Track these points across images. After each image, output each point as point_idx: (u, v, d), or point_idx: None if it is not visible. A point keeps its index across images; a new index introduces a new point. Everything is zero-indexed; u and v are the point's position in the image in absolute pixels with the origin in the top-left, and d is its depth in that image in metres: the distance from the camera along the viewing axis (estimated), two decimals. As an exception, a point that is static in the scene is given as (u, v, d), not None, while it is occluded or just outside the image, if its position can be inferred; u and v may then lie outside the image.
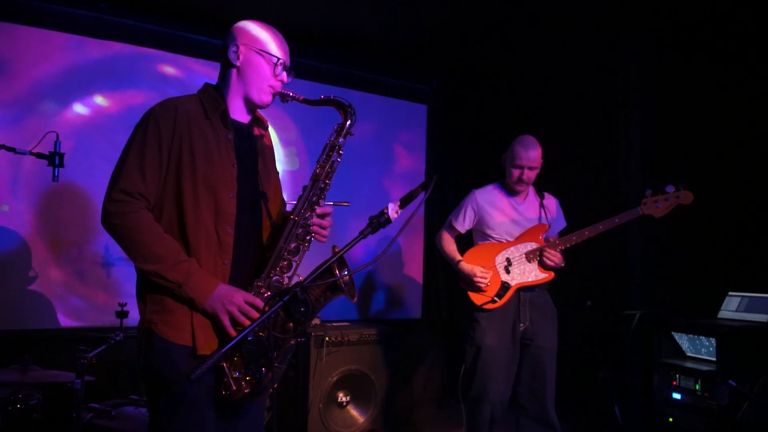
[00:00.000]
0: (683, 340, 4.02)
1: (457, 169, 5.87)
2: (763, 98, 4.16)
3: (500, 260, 3.58)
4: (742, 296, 3.87)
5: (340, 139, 2.18)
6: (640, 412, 4.38)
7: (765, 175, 4.15)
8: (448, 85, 5.88)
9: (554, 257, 3.49)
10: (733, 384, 3.40)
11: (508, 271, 3.56)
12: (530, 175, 3.57)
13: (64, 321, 4.12)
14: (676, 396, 3.82)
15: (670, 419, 3.86)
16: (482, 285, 3.49)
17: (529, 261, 3.56)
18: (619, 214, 3.44)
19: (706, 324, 3.80)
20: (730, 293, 3.97)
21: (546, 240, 3.61)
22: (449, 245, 3.72)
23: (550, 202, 3.78)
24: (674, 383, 3.85)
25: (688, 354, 4.01)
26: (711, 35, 4.40)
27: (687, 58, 4.53)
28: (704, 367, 3.72)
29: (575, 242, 3.48)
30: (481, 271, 3.49)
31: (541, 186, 3.84)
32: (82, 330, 4.09)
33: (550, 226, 3.64)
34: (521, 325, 3.54)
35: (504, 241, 3.63)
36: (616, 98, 4.83)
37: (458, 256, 3.64)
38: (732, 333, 3.59)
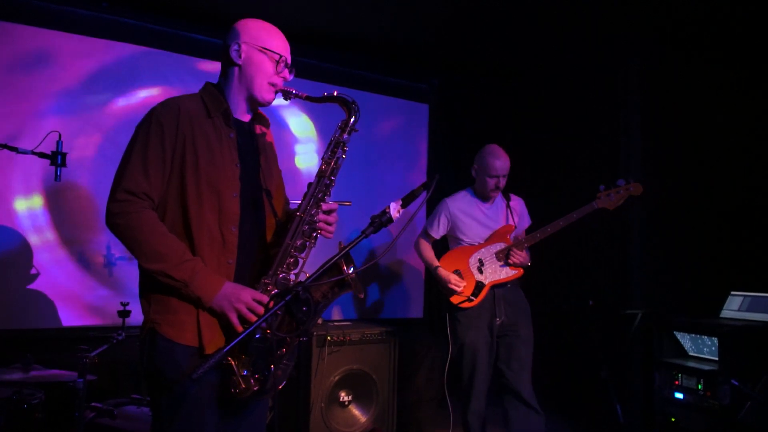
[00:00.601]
0: (685, 340, 4.02)
1: (459, 169, 5.86)
2: (764, 97, 4.15)
3: (473, 261, 3.83)
4: (745, 296, 3.87)
5: (345, 136, 2.18)
6: (641, 411, 4.38)
7: (767, 174, 4.15)
8: (449, 85, 5.88)
9: (519, 256, 3.75)
10: (736, 383, 3.40)
11: (481, 271, 3.81)
12: (503, 182, 3.83)
13: (66, 320, 4.12)
14: (678, 395, 3.82)
15: (672, 419, 3.87)
16: (458, 289, 3.75)
17: (499, 260, 3.81)
18: (576, 210, 3.68)
19: (708, 323, 3.80)
20: (733, 293, 3.96)
21: (514, 239, 3.86)
22: (427, 252, 4.01)
23: (516, 203, 4.02)
24: (676, 383, 3.85)
25: (690, 353, 4.01)
26: (711, 35, 4.40)
27: (687, 57, 4.52)
28: (706, 367, 3.71)
29: (539, 239, 3.73)
30: (455, 278, 3.77)
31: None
32: (84, 329, 4.10)
33: (516, 227, 3.90)
34: (498, 319, 3.80)
35: (476, 243, 3.88)
36: (617, 98, 4.83)
37: (436, 263, 3.90)
38: (734, 332, 3.59)
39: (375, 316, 5.38)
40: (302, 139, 5.21)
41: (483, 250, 3.84)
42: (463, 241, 3.90)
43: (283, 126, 5.08)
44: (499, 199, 3.96)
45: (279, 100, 2.25)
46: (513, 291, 3.88)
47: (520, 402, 3.74)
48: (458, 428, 4.10)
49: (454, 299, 3.80)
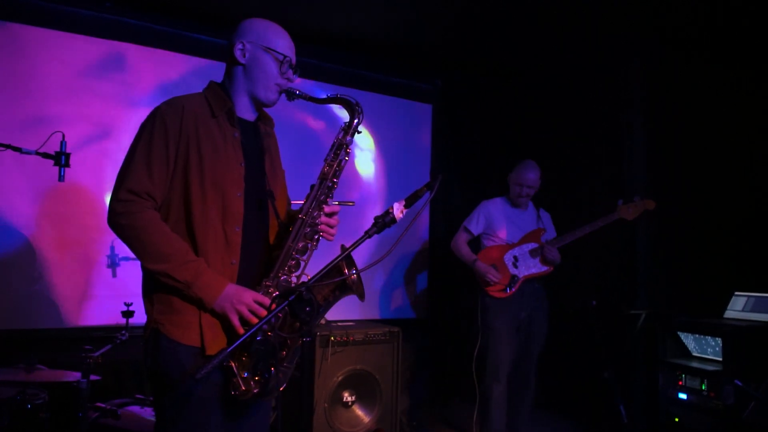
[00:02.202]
0: (689, 340, 4.01)
1: (462, 169, 5.86)
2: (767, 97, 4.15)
3: (508, 257, 4.31)
4: (749, 296, 3.86)
5: (348, 138, 2.18)
6: (645, 411, 4.38)
7: (770, 174, 4.14)
8: (452, 85, 5.88)
9: (552, 252, 4.24)
10: (739, 384, 3.39)
11: (516, 266, 4.29)
12: (529, 192, 4.35)
13: (70, 320, 4.12)
14: (682, 396, 3.81)
15: (676, 419, 3.86)
16: (494, 281, 4.20)
17: (532, 257, 4.30)
18: (601, 218, 4.16)
19: (711, 324, 3.79)
20: (736, 293, 3.95)
21: (544, 240, 4.32)
22: (465, 247, 4.43)
23: (544, 215, 4.52)
24: (680, 383, 3.85)
25: (694, 354, 4.00)
26: (713, 35, 4.39)
27: (689, 57, 4.52)
28: (710, 367, 3.71)
29: (568, 241, 4.23)
30: (493, 271, 4.23)
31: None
32: (87, 329, 4.10)
33: (546, 231, 4.39)
34: (522, 313, 4.26)
35: (509, 242, 4.35)
36: (619, 98, 4.83)
37: (474, 256, 4.34)
38: (738, 333, 3.58)
39: (378, 317, 5.38)
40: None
41: (517, 248, 4.32)
42: (497, 239, 4.35)
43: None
44: (531, 208, 4.48)
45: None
46: (540, 290, 4.37)
47: (525, 385, 4.30)
48: (464, 422, 4.10)
49: (491, 289, 4.23)
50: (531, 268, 4.30)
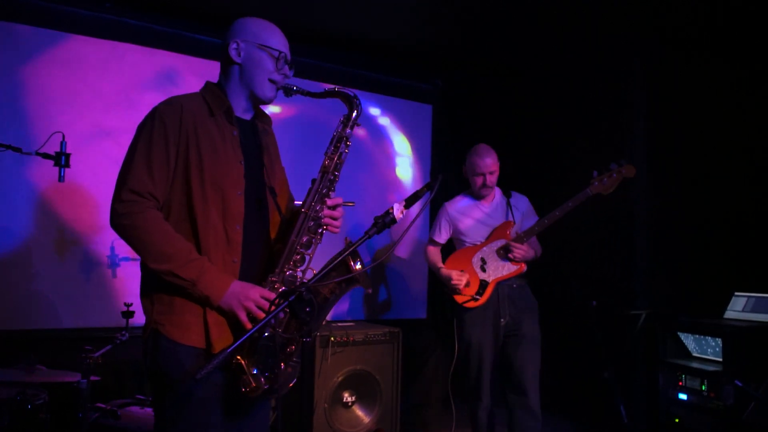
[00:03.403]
0: (689, 340, 4.01)
1: (462, 169, 5.86)
2: (769, 97, 4.15)
3: (476, 261, 3.84)
4: (749, 296, 3.86)
5: (347, 130, 2.18)
6: (645, 412, 4.38)
7: (771, 174, 4.14)
8: (453, 85, 5.88)
9: (519, 249, 3.71)
10: (739, 384, 3.39)
11: (484, 270, 3.81)
12: (491, 179, 3.84)
13: (70, 321, 4.12)
14: (682, 396, 3.81)
15: (676, 419, 3.86)
16: (459, 286, 3.74)
17: (500, 257, 3.79)
18: (571, 198, 3.63)
19: (712, 324, 3.79)
20: (736, 293, 3.95)
21: (514, 235, 3.81)
22: (434, 257, 4.04)
23: (519, 200, 4.00)
24: (680, 383, 3.85)
25: (694, 354, 4.00)
26: (713, 35, 4.39)
27: (691, 57, 4.52)
28: (710, 368, 3.71)
29: (537, 231, 3.70)
30: (456, 274, 3.75)
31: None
32: (87, 330, 4.10)
33: (515, 223, 3.86)
34: (502, 320, 3.77)
35: (477, 243, 3.88)
36: (620, 98, 4.83)
37: (440, 264, 3.94)
38: (738, 333, 3.58)
39: (379, 317, 5.38)
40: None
41: (485, 248, 3.83)
42: (465, 242, 3.92)
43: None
44: (499, 197, 3.98)
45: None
46: (519, 291, 3.84)
47: (522, 402, 3.71)
48: (461, 428, 4.11)
49: (459, 299, 3.80)
50: (501, 269, 3.79)
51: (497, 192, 3.98)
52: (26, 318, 4.01)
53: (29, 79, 4.06)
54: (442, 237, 4.02)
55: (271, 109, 4.55)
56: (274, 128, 2.37)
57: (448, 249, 4.06)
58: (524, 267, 3.81)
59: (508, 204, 3.94)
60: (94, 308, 4.18)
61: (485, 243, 3.85)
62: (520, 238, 3.74)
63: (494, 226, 3.87)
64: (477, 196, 3.94)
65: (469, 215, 3.94)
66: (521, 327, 3.77)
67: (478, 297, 3.75)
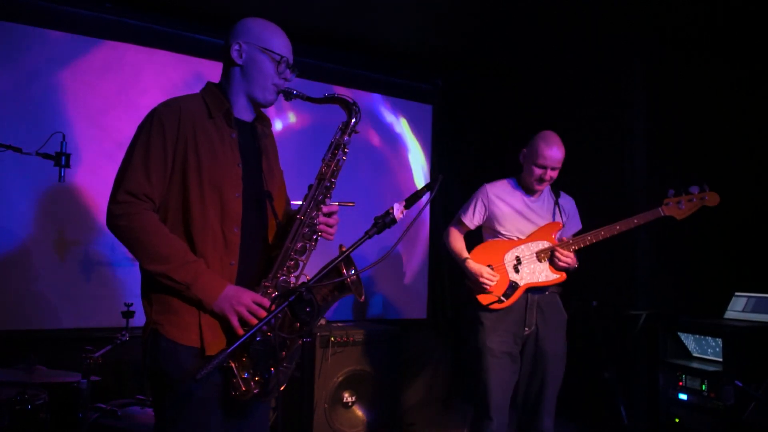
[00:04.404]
0: (689, 341, 4.01)
1: (462, 170, 5.87)
2: (770, 97, 4.14)
3: (509, 258, 3.38)
4: (749, 296, 3.86)
5: (345, 137, 2.17)
6: (645, 412, 4.37)
7: (772, 174, 4.14)
8: (453, 85, 5.88)
9: (567, 257, 3.28)
10: (740, 384, 3.39)
11: (517, 270, 3.37)
12: (552, 175, 3.38)
13: (70, 321, 4.12)
14: (682, 396, 3.81)
15: (676, 419, 3.86)
16: (488, 286, 3.30)
17: (539, 260, 3.36)
18: (638, 215, 3.29)
19: (712, 324, 3.79)
20: (737, 293, 3.95)
21: (559, 239, 3.41)
22: (457, 242, 3.53)
23: (566, 201, 3.58)
24: (680, 383, 3.84)
25: (694, 354, 4.00)
26: (713, 35, 4.38)
27: (691, 57, 4.51)
28: (710, 368, 3.70)
29: (590, 242, 3.31)
30: (489, 272, 3.30)
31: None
32: (87, 330, 4.10)
33: (564, 225, 3.47)
34: (526, 329, 3.35)
35: (515, 238, 3.43)
36: (620, 98, 4.83)
37: (465, 254, 3.43)
38: (738, 333, 3.58)
39: (379, 317, 5.38)
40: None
41: (522, 246, 3.39)
42: (500, 234, 3.44)
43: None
44: (548, 194, 3.53)
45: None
46: (550, 299, 3.43)
47: (535, 427, 3.37)
48: (464, 423, 4.09)
49: (483, 298, 3.34)
50: (536, 274, 3.35)
51: (546, 188, 3.52)
52: (26, 318, 4.01)
53: (29, 79, 4.06)
54: (474, 220, 3.49)
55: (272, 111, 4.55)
56: (273, 130, 2.37)
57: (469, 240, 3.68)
58: (564, 277, 3.38)
59: (557, 203, 3.52)
60: (94, 308, 4.18)
61: (524, 240, 3.41)
62: (566, 245, 3.33)
63: (537, 223, 3.43)
64: (526, 187, 3.47)
65: (510, 204, 3.46)
66: (546, 340, 3.36)
67: (504, 299, 3.32)
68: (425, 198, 2.03)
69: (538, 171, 3.35)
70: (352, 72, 5.35)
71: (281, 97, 2.19)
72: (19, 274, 4.01)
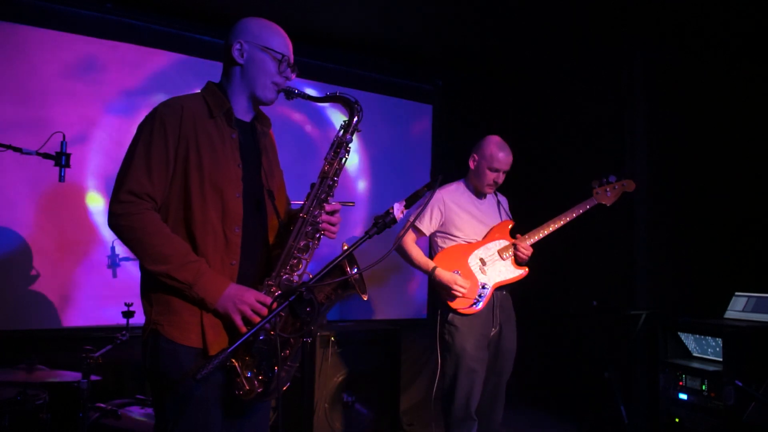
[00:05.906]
0: (689, 341, 4.01)
1: (462, 169, 5.86)
2: (770, 97, 4.15)
3: (473, 261, 3.47)
4: (749, 296, 3.86)
5: (347, 136, 2.17)
6: (646, 412, 4.38)
7: (771, 174, 4.15)
8: (454, 85, 5.88)
9: (528, 251, 3.48)
10: (740, 384, 3.39)
11: (483, 272, 3.46)
12: (502, 178, 3.54)
13: (70, 321, 4.12)
14: (683, 396, 3.81)
15: (676, 419, 3.86)
16: (463, 293, 3.36)
17: (503, 259, 3.49)
18: (576, 205, 3.53)
19: (712, 324, 3.79)
20: (737, 293, 3.95)
21: (517, 237, 3.55)
22: (415, 249, 3.52)
23: (503, 200, 3.77)
24: (680, 383, 3.84)
25: (695, 354, 4.00)
26: (714, 35, 4.39)
27: (691, 56, 4.52)
28: (710, 368, 3.71)
29: (544, 236, 3.50)
30: (461, 279, 3.36)
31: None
32: (88, 330, 4.10)
33: (514, 223, 3.61)
34: (493, 329, 3.47)
35: (472, 241, 3.52)
36: (620, 98, 4.83)
37: (431, 263, 3.46)
38: (738, 333, 3.58)
39: (379, 317, 5.38)
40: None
41: (482, 248, 3.49)
42: (456, 238, 3.51)
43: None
44: (490, 195, 3.66)
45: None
46: (507, 298, 3.59)
47: (489, 418, 3.51)
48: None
49: (458, 304, 3.39)
50: (503, 272, 3.46)
51: None
52: (26, 318, 4.00)
53: (30, 79, 4.05)
54: (430, 227, 3.52)
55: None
56: (273, 130, 2.37)
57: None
58: (528, 271, 3.53)
59: (498, 203, 3.69)
60: (94, 308, 4.18)
61: (482, 242, 3.51)
62: (524, 240, 3.48)
63: (489, 224, 3.55)
64: (475, 190, 3.59)
65: (465, 208, 3.55)
66: (507, 338, 3.51)
67: (481, 300, 3.39)
68: (425, 197, 2.03)
69: (491, 175, 3.49)
70: (352, 72, 5.35)
71: (282, 96, 2.19)
72: (19, 273, 4.01)
